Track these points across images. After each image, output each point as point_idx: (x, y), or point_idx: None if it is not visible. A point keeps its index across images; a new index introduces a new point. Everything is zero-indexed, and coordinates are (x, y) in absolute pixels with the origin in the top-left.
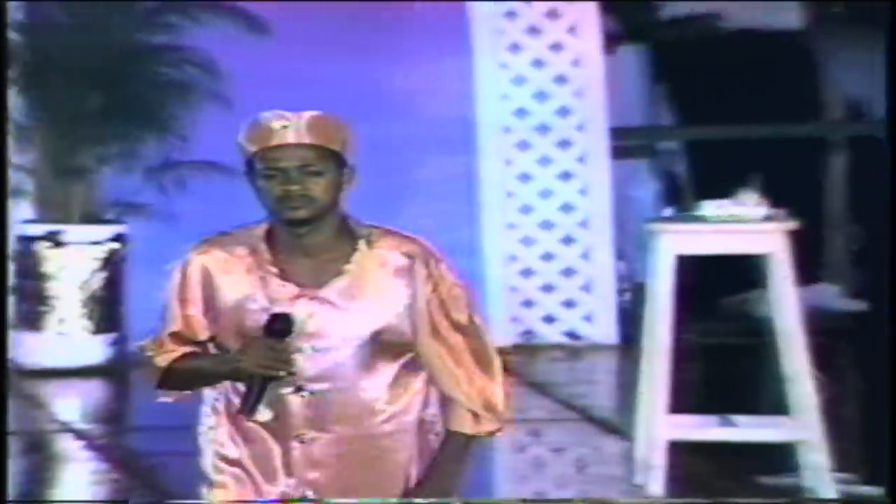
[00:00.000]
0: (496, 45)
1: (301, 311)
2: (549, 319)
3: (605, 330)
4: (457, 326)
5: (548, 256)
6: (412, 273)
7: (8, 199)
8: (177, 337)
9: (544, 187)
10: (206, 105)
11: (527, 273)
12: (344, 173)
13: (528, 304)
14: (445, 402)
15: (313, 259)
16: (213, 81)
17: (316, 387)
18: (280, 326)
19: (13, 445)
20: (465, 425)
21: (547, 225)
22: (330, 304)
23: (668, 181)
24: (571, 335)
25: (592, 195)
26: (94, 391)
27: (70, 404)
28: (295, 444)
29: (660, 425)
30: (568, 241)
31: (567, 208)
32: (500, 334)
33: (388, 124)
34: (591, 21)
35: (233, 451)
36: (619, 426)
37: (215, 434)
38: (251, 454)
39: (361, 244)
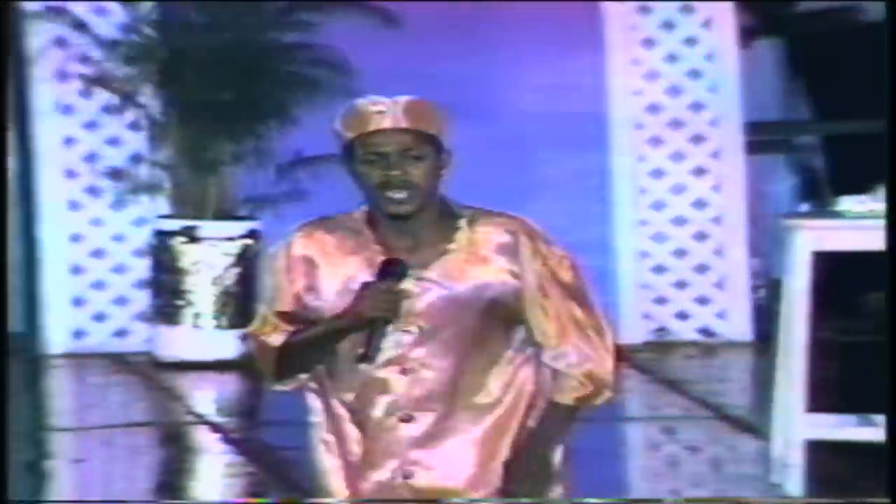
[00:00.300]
0: (629, 40)
1: (408, 291)
2: (682, 316)
3: (739, 327)
4: (567, 295)
5: (680, 253)
6: (516, 249)
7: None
8: (286, 316)
9: (677, 183)
10: (336, 102)
11: (659, 270)
12: (442, 158)
13: (660, 300)
14: (551, 373)
15: (416, 240)
16: (343, 78)
17: (422, 366)
18: (395, 269)
19: (150, 436)
20: (568, 395)
21: (679, 221)
22: (436, 284)
23: (805, 176)
24: (705, 332)
25: (726, 191)
26: (228, 385)
27: (205, 397)
28: (400, 424)
29: (797, 424)
30: (701, 237)
31: (700, 204)
32: (632, 331)
33: (520, 121)
34: (725, 15)
35: (337, 443)
36: (754, 424)
37: (321, 428)
38: (355, 441)
39: (462, 223)
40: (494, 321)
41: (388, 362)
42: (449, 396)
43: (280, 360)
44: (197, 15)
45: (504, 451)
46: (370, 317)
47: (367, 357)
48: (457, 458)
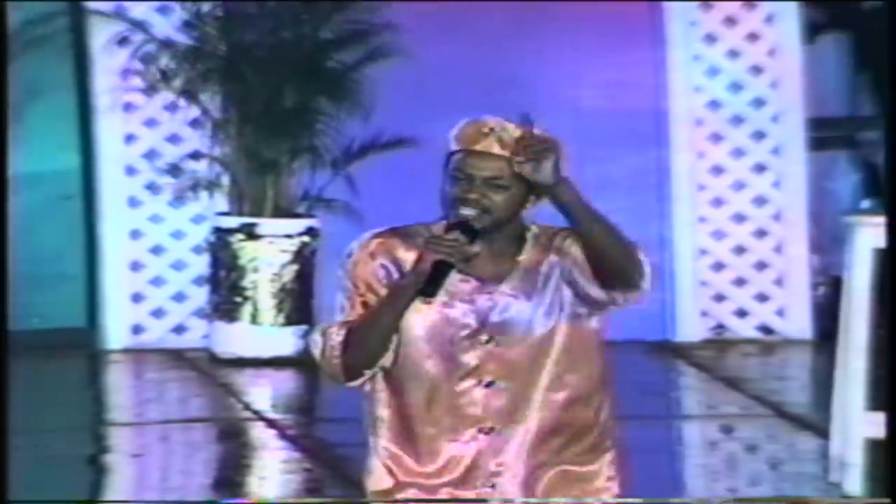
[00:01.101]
0: (690, 36)
1: (484, 304)
2: (741, 314)
3: (799, 325)
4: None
5: (740, 250)
6: (563, 242)
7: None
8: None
9: (737, 180)
10: (396, 97)
11: (718, 267)
12: (532, 196)
13: (719, 298)
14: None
15: (490, 255)
16: (404, 73)
17: (501, 378)
18: (464, 224)
19: (208, 432)
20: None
21: (739, 218)
22: (511, 297)
23: (868, 173)
24: (764, 330)
25: (787, 187)
26: (285, 382)
27: (262, 394)
28: (480, 435)
29: (857, 422)
30: (761, 234)
31: (760, 201)
32: (691, 329)
33: (579, 118)
34: (788, 10)
35: (403, 459)
36: (813, 423)
37: (384, 437)
38: (430, 455)
39: (529, 235)
40: (564, 323)
41: (468, 375)
42: (528, 408)
43: (346, 348)
44: (256, 12)
45: (577, 464)
46: (434, 260)
47: (428, 291)
48: (534, 470)
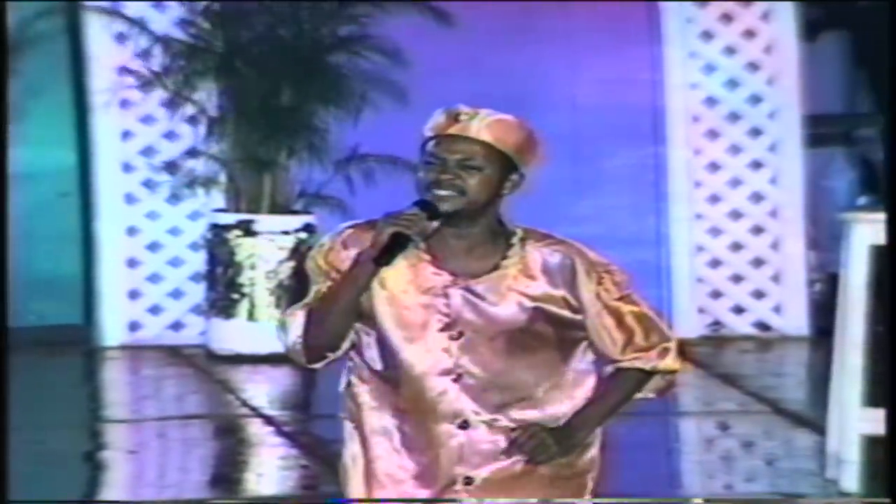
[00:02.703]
0: (687, 33)
1: (457, 299)
2: (737, 310)
3: (795, 321)
4: (626, 303)
5: (736, 246)
6: (570, 270)
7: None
8: None
9: (733, 176)
10: (391, 97)
11: (715, 263)
12: (511, 178)
13: (715, 294)
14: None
15: (468, 251)
16: (398, 72)
17: (472, 374)
18: (425, 203)
19: (205, 428)
20: (642, 362)
21: (736, 215)
22: (482, 299)
23: (865, 170)
24: (761, 326)
25: (783, 184)
26: (282, 378)
27: (259, 390)
28: (456, 431)
29: (853, 419)
30: (757, 231)
31: (757, 198)
32: (688, 325)
33: (576, 115)
34: (785, 7)
35: (389, 466)
36: (810, 419)
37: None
38: (406, 453)
39: (515, 240)
40: (543, 337)
41: (441, 371)
42: (502, 404)
43: (308, 330)
44: (253, 10)
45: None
46: (390, 231)
47: (381, 261)
48: (516, 464)
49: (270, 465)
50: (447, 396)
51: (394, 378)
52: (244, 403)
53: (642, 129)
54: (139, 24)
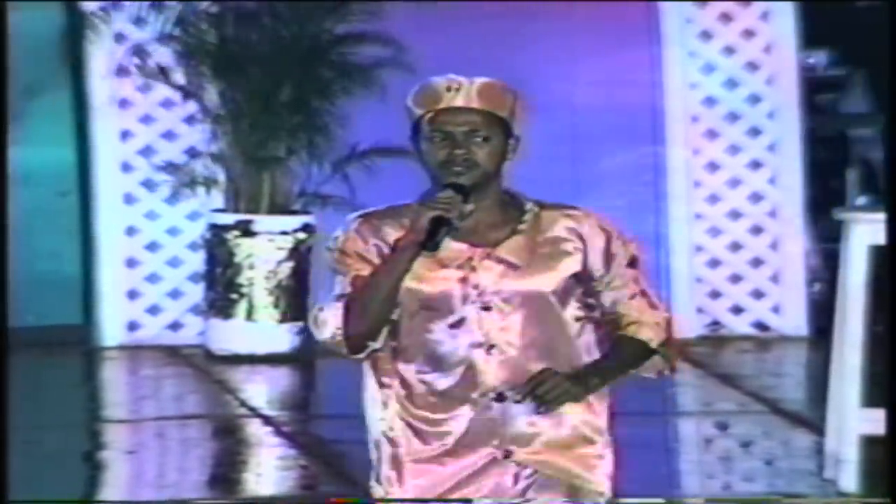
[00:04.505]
0: (686, 33)
1: (483, 270)
2: (736, 310)
3: (794, 321)
4: (634, 269)
5: (735, 246)
6: (581, 229)
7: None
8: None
9: (732, 176)
10: (391, 95)
11: (714, 263)
12: (510, 143)
13: (714, 294)
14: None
15: (483, 222)
16: (401, 69)
17: (506, 344)
18: (458, 185)
19: (203, 428)
20: (646, 333)
21: (735, 215)
22: (507, 263)
23: (862, 170)
24: (760, 326)
25: (782, 184)
26: (281, 378)
27: (258, 390)
28: (491, 404)
29: (852, 419)
30: (756, 230)
31: (756, 198)
32: (687, 325)
33: (575, 114)
34: (784, 7)
35: (419, 445)
36: (809, 419)
37: (387, 426)
38: (443, 427)
39: (529, 206)
40: (561, 297)
41: (476, 343)
42: (531, 374)
43: (347, 320)
44: (253, 8)
45: (586, 428)
46: (431, 216)
47: (429, 246)
48: (552, 431)
49: (269, 465)
50: (481, 369)
51: (426, 357)
52: (243, 403)
53: (641, 129)
54: (139, 23)
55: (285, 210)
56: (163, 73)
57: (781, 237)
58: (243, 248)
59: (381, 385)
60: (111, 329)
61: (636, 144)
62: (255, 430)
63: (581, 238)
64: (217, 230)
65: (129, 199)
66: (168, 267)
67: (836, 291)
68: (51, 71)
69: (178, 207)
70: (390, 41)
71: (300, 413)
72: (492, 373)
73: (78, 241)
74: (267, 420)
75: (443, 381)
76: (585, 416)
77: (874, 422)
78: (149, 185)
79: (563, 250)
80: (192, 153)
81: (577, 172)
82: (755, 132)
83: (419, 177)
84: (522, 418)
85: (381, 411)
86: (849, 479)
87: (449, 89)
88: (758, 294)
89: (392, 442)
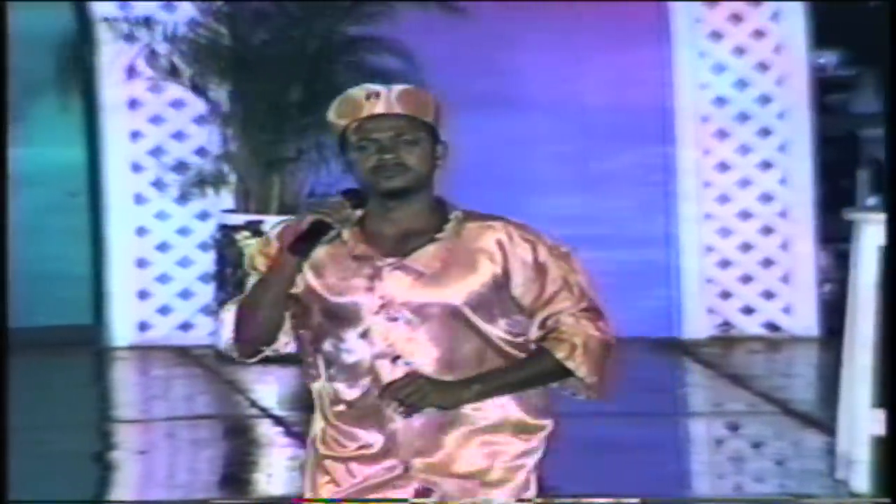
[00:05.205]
0: (696, 33)
1: (392, 280)
2: (747, 311)
3: (805, 322)
4: (564, 279)
5: (746, 247)
6: (505, 241)
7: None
8: None
9: (743, 176)
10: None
11: (724, 264)
12: (437, 148)
13: (725, 295)
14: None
15: (403, 230)
16: (412, 71)
17: (412, 355)
18: (354, 190)
19: (214, 428)
20: (559, 351)
21: (745, 215)
22: (416, 273)
23: (873, 170)
24: (770, 327)
25: (793, 184)
26: (291, 378)
27: (268, 391)
28: (395, 416)
29: (863, 419)
30: (767, 231)
31: (766, 198)
32: (696, 326)
33: (584, 114)
34: (794, 7)
35: (335, 446)
36: (820, 420)
37: (321, 435)
38: (353, 436)
39: (453, 216)
40: (481, 311)
41: (382, 353)
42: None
43: (239, 324)
44: (264, 9)
45: (496, 444)
46: (309, 220)
47: (297, 249)
48: (458, 448)
49: (279, 465)
50: (386, 381)
51: (337, 366)
52: (253, 404)
53: (652, 129)
54: (149, 24)
55: (295, 211)
56: (173, 74)
57: (792, 237)
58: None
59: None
60: (122, 329)
61: (646, 144)
62: (266, 430)
63: (502, 249)
64: (227, 230)
65: (139, 200)
66: (178, 267)
67: (846, 292)
68: (61, 72)
69: (188, 208)
70: (400, 44)
71: (311, 413)
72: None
73: (88, 241)
74: (277, 420)
75: (351, 391)
76: (500, 437)
77: (885, 422)
78: (159, 185)
79: (478, 261)
80: (202, 153)
81: (586, 172)
82: (766, 132)
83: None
84: (429, 433)
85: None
86: (860, 479)
87: (368, 98)
88: (768, 294)
89: (315, 442)
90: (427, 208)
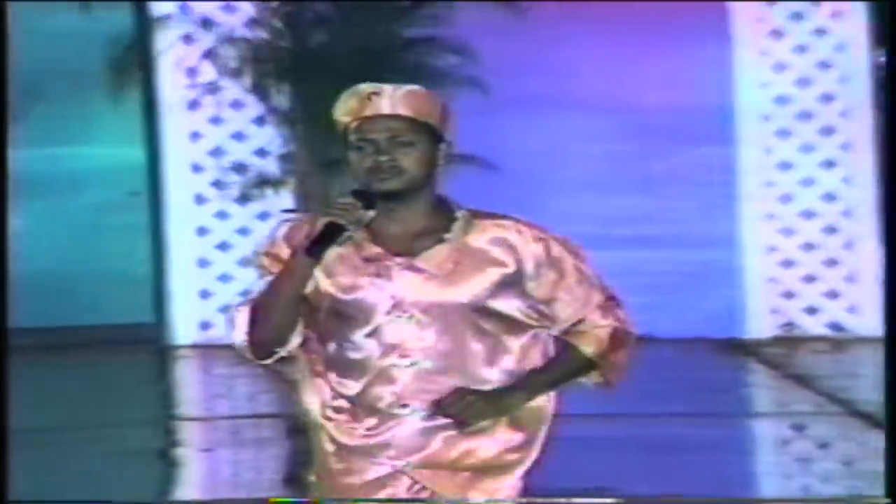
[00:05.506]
0: (757, 32)
1: (401, 280)
2: (810, 311)
3: (869, 321)
4: (578, 273)
5: (809, 247)
6: (514, 239)
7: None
8: None
9: (806, 176)
10: (462, 95)
11: (787, 264)
12: (439, 149)
13: (788, 295)
14: (568, 332)
15: (409, 230)
16: (470, 70)
17: (419, 357)
18: (362, 192)
19: (277, 427)
20: (588, 345)
21: (808, 215)
22: (425, 273)
23: None
24: (835, 327)
25: (856, 183)
26: None
27: None
28: (403, 414)
29: None
30: (830, 230)
31: (829, 197)
32: (761, 326)
33: (644, 113)
34: (856, 6)
35: (341, 439)
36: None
37: (326, 429)
38: (356, 433)
39: (459, 216)
40: (490, 310)
41: (389, 352)
42: (452, 385)
43: (252, 325)
44: (324, 10)
45: (503, 442)
46: (323, 222)
47: (312, 251)
48: (464, 447)
49: None
50: (393, 380)
51: (342, 363)
52: None
53: (713, 129)
54: (209, 25)
55: None
56: (233, 75)
57: (856, 237)
58: None
59: (315, 375)
60: (183, 328)
61: (708, 144)
62: None
63: (512, 249)
64: None
65: (199, 200)
66: (239, 267)
67: None
68: (121, 72)
69: (247, 208)
70: (458, 44)
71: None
72: (403, 384)
73: (149, 240)
74: None
75: (355, 388)
76: (500, 436)
77: None
78: (219, 185)
79: (488, 260)
80: (262, 154)
81: (647, 171)
82: (828, 131)
83: (487, 180)
84: (427, 433)
85: (317, 408)
86: None
87: (371, 97)
88: (832, 294)
89: (319, 434)
90: (430, 208)
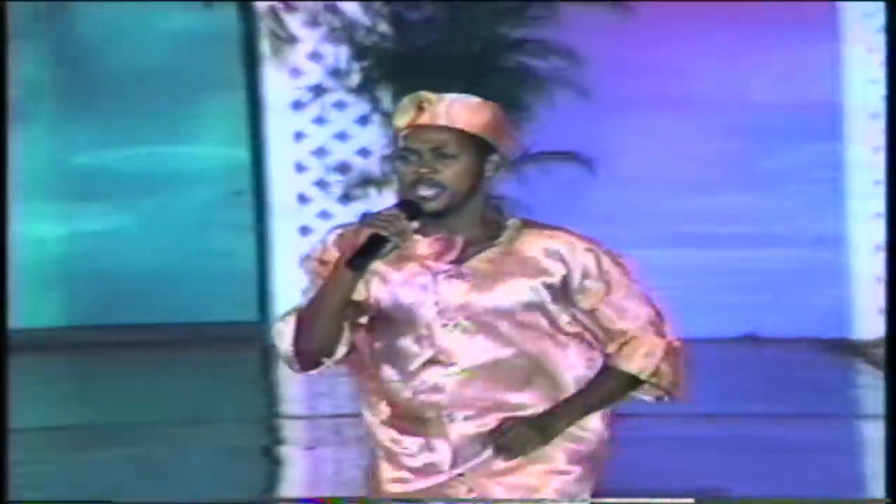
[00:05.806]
0: (866, 28)
1: (447, 287)
2: None
3: None
4: (627, 288)
5: None
6: (564, 250)
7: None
8: None
9: None
10: (566, 95)
11: None
12: (489, 161)
13: None
14: (613, 350)
15: (460, 236)
16: (574, 71)
17: (468, 363)
18: (406, 203)
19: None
20: (634, 364)
21: None
22: (471, 279)
23: None
24: None
25: None
26: None
27: None
28: (451, 424)
29: None
30: None
31: None
32: (867, 326)
33: (752, 111)
34: None
35: (394, 448)
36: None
37: (378, 437)
38: (406, 446)
39: (510, 223)
40: (537, 318)
41: (435, 362)
42: (499, 393)
43: (298, 335)
44: (429, 11)
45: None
46: (366, 233)
47: (355, 263)
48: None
49: None
50: (439, 387)
51: (392, 371)
52: None
53: (822, 126)
54: (314, 25)
55: None
56: (336, 75)
57: None
58: None
59: (369, 392)
60: None
61: (816, 141)
62: None
63: (562, 259)
64: None
65: (302, 199)
66: None
67: None
68: (226, 71)
69: (350, 207)
70: (564, 45)
71: None
72: (450, 391)
73: (252, 239)
74: None
75: (404, 396)
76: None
77: None
78: (322, 185)
79: (536, 269)
80: (365, 154)
81: (756, 168)
82: None
83: (598, 180)
84: (476, 442)
85: (370, 417)
86: None
87: (423, 106)
88: None
89: (375, 450)
90: (479, 217)
